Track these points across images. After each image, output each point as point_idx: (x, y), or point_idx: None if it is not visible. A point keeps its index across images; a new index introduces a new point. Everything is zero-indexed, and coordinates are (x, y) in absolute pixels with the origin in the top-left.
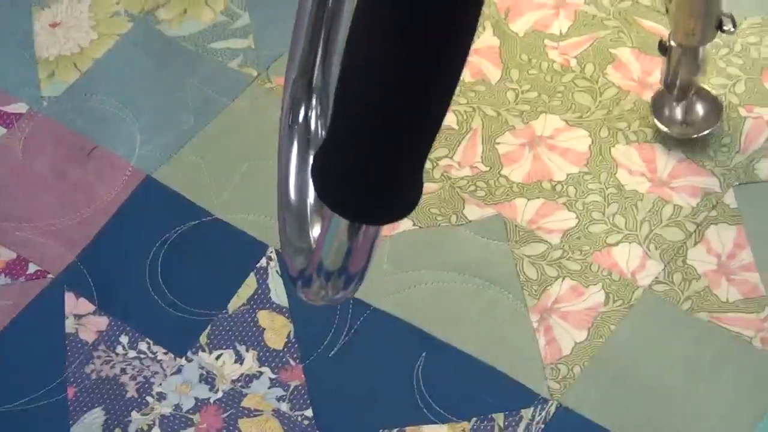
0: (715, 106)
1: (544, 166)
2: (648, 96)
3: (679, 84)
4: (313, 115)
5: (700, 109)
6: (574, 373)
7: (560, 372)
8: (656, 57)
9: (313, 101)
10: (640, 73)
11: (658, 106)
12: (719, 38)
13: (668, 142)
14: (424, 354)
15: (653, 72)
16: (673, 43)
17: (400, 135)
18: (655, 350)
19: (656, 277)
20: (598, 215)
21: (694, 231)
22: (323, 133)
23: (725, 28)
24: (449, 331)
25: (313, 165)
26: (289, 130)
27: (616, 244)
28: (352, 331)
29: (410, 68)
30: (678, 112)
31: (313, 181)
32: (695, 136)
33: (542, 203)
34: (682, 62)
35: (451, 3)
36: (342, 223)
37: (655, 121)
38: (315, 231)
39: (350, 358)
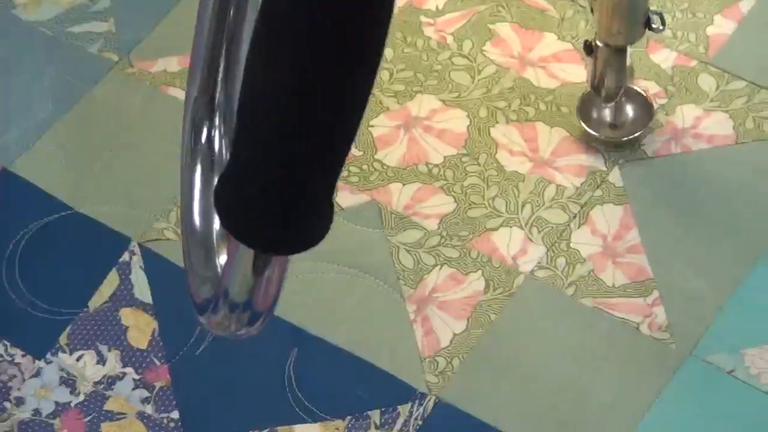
0: (645, 106)
1: (420, 148)
2: (529, 73)
3: (607, 85)
4: (216, 135)
5: (629, 110)
6: (453, 366)
7: (438, 365)
8: (537, 32)
9: (216, 120)
10: (521, 49)
11: (585, 108)
12: None
13: (550, 119)
14: (295, 350)
15: (534, 48)
16: (599, 44)
17: (307, 159)
18: (538, 339)
19: (539, 263)
20: (477, 199)
21: (579, 212)
22: (228, 154)
23: (654, 26)
24: (322, 325)
25: (215, 191)
26: (192, 152)
27: (497, 228)
28: None
29: (315, 85)
30: (606, 115)
31: (217, 208)
32: (625, 139)
33: (418, 188)
34: (609, 63)
35: (359, 19)
36: (248, 252)
37: (582, 124)
38: (222, 259)
39: (218, 356)
